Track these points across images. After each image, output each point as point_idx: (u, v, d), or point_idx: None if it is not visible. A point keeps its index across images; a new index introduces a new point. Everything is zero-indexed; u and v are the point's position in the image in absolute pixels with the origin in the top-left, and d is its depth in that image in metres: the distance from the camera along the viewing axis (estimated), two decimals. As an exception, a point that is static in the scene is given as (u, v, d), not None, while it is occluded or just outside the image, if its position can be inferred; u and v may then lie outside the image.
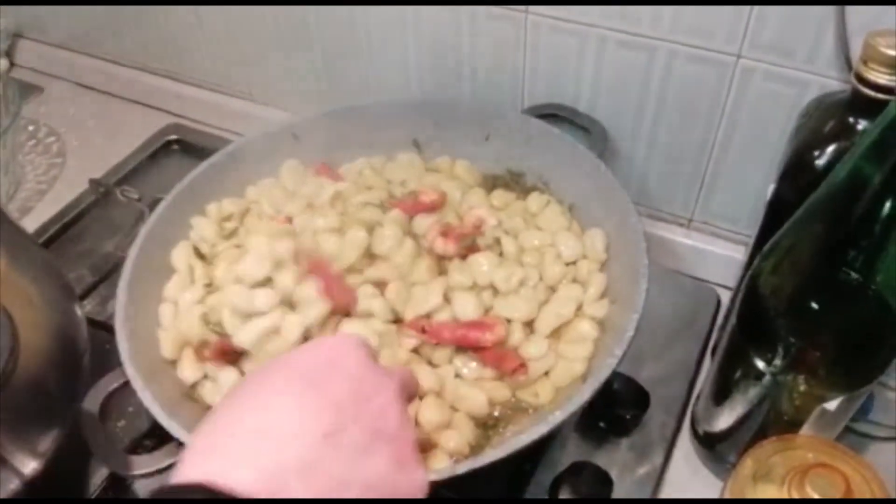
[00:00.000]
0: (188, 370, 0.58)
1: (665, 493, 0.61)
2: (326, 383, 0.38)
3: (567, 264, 0.62)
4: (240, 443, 0.34)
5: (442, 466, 0.50)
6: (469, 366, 0.57)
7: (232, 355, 0.57)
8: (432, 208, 0.66)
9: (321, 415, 0.36)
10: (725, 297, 0.73)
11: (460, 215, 0.66)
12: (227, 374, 0.57)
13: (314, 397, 0.37)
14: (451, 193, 0.68)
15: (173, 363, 0.59)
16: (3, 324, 0.44)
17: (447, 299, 0.59)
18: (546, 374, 0.57)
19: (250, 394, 0.38)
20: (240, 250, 0.62)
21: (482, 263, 0.60)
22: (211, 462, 0.34)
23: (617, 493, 0.57)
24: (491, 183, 0.71)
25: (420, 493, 0.40)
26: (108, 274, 0.76)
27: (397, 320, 0.58)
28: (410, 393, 0.45)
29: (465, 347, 0.57)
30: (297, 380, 0.38)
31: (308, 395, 0.37)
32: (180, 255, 0.64)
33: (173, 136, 0.95)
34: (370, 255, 0.61)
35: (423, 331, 0.57)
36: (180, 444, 0.51)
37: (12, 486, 0.53)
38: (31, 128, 0.98)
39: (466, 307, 0.58)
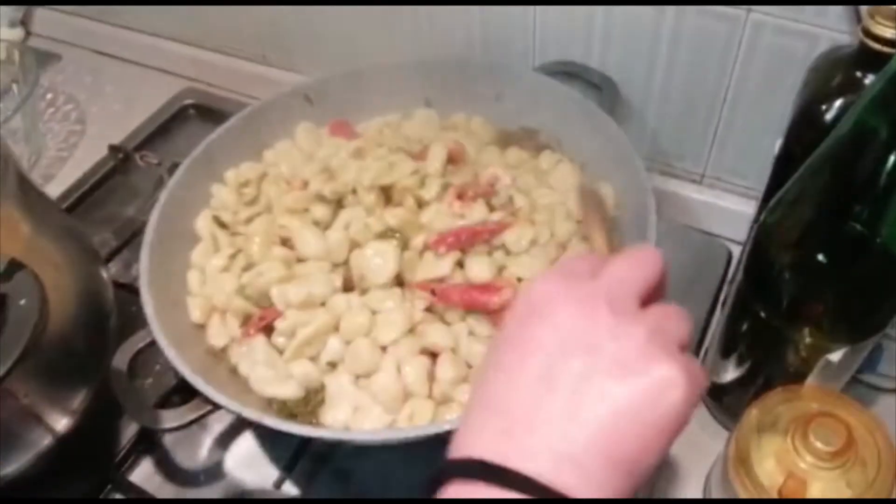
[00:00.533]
0: (216, 335, 0.60)
1: (674, 445, 0.62)
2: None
3: (578, 221, 0.63)
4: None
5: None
6: (482, 324, 0.58)
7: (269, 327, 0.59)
8: (450, 160, 0.67)
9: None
10: (737, 251, 0.74)
11: (476, 172, 0.67)
12: (258, 341, 0.59)
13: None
14: (469, 150, 0.69)
15: (201, 326, 0.61)
16: (32, 287, 0.46)
17: (460, 263, 0.60)
18: None
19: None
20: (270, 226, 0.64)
21: None
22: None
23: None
24: (506, 140, 0.72)
25: (668, 385, 0.32)
26: (130, 238, 0.78)
27: (401, 283, 0.60)
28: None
29: (473, 310, 0.58)
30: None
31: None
32: (203, 224, 0.65)
33: (190, 101, 0.96)
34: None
35: (433, 293, 0.58)
36: (206, 400, 0.53)
37: (46, 442, 0.56)
38: (49, 96, 0.99)
39: (481, 271, 0.59)
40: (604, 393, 0.32)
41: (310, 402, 0.56)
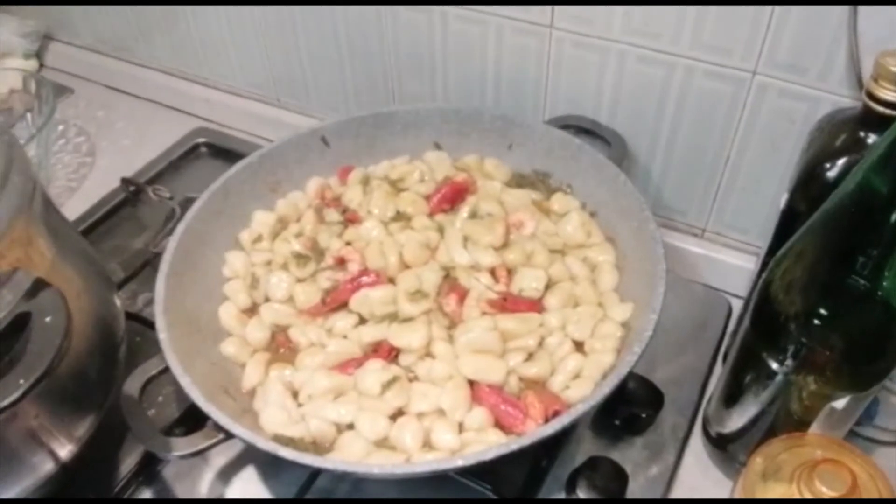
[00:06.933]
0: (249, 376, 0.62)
1: (677, 492, 0.63)
2: None
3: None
4: None
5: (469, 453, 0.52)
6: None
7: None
8: (465, 190, 0.70)
9: None
10: (736, 305, 0.75)
11: (501, 202, 0.69)
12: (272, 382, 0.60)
13: None
14: (489, 185, 0.72)
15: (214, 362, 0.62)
16: (58, 305, 0.46)
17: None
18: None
19: None
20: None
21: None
22: None
23: (631, 491, 0.59)
24: (519, 182, 0.74)
25: None
26: (138, 269, 0.78)
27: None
28: None
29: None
30: None
31: None
32: (228, 312, 0.66)
33: (202, 139, 0.97)
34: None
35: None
36: (216, 429, 0.53)
37: (48, 468, 0.55)
38: (60, 127, 1.00)
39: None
40: None
41: (318, 447, 0.56)
